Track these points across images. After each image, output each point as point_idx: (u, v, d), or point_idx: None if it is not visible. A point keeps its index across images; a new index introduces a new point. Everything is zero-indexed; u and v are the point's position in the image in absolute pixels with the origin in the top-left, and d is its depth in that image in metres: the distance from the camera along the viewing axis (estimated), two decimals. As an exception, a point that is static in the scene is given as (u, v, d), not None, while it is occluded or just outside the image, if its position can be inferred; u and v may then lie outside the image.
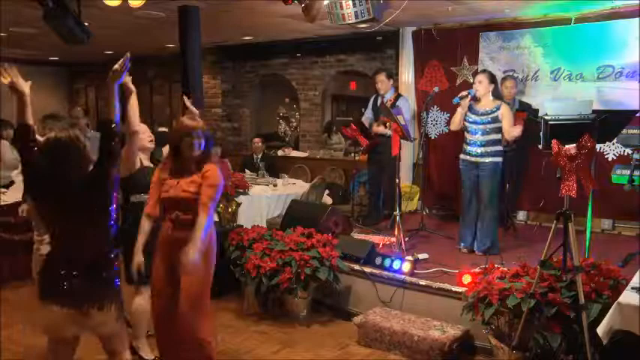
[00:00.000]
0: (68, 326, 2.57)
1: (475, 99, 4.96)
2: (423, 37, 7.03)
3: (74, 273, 2.55)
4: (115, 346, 2.76)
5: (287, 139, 11.31)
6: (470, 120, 4.96)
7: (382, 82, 6.08)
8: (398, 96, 6.13)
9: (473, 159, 4.97)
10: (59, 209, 2.59)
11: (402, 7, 4.92)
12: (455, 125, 5.09)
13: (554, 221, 3.32)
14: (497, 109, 4.88)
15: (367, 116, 6.31)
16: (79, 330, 2.62)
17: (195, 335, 3.12)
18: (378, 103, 6.15)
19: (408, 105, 6.20)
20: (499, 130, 4.89)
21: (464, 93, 4.98)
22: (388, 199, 6.17)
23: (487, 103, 4.94)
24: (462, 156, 5.07)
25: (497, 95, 5.08)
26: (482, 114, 4.92)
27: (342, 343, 4.17)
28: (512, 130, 4.82)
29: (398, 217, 5.07)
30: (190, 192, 3.10)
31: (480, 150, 4.93)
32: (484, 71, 5.17)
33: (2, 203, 5.41)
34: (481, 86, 4.92)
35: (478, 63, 6.62)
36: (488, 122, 4.89)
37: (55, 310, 2.52)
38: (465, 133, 5.03)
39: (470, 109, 4.97)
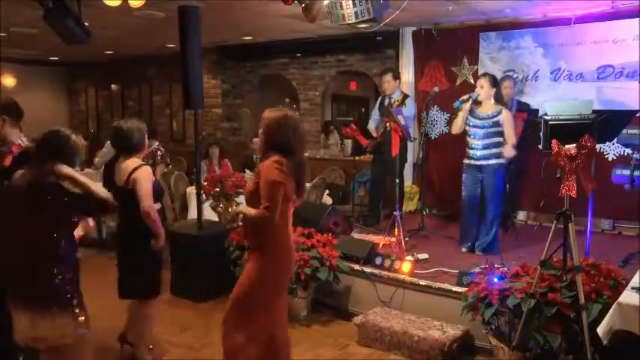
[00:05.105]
0: (32, 333, 2.50)
1: (476, 102, 4.95)
2: (423, 37, 7.03)
3: (25, 280, 2.53)
4: None
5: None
6: (471, 124, 4.95)
7: (389, 82, 6.07)
8: (405, 97, 6.12)
9: (476, 162, 4.96)
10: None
11: (402, 7, 4.92)
12: (456, 129, 5.07)
13: (554, 221, 3.32)
14: (499, 113, 4.86)
15: (375, 117, 6.31)
16: (37, 335, 2.52)
17: (226, 339, 2.93)
18: (386, 104, 6.14)
19: (414, 106, 6.22)
20: (501, 133, 4.87)
21: (465, 97, 4.96)
22: (389, 199, 6.16)
23: (488, 107, 4.93)
24: (465, 160, 5.06)
25: (499, 98, 5.05)
26: (484, 118, 4.91)
27: (342, 343, 4.17)
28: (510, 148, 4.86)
29: (398, 217, 5.07)
30: (248, 189, 2.90)
31: (482, 153, 4.92)
32: (485, 74, 5.13)
33: None
34: (482, 91, 4.90)
35: (478, 63, 6.62)
36: (490, 126, 4.88)
37: (20, 315, 2.51)
38: (467, 137, 5.02)
39: (471, 113, 4.96)
